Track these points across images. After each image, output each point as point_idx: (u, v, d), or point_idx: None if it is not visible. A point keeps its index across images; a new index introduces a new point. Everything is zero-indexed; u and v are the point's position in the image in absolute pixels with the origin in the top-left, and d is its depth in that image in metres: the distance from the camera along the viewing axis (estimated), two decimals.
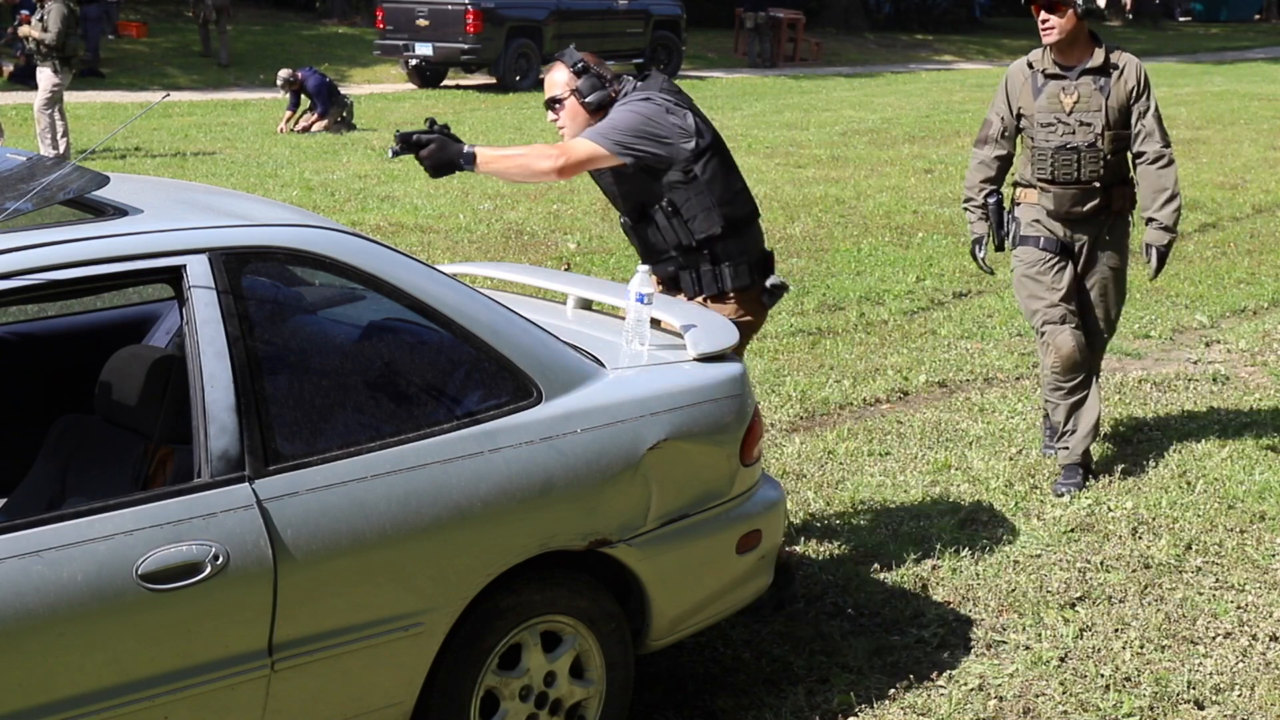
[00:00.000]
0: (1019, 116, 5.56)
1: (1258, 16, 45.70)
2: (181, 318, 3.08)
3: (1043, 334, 5.57)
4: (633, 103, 4.24)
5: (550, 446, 3.40)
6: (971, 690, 4.11)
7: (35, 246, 2.91)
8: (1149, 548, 5.02)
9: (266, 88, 21.33)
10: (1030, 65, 5.54)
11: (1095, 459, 5.84)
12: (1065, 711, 4.01)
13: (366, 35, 25.59)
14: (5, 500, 3.67)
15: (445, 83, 23.33)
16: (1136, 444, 6.10)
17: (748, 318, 4.35)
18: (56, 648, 2.73)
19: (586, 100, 4.29)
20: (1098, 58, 5.43)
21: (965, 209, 5.71)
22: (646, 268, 3.96)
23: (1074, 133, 5.41)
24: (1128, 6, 43.40)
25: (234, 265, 3.10)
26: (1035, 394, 6.82)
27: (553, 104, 4.35)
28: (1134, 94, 5.42)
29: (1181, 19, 45.19)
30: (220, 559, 2.89)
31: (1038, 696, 4.08)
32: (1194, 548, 5.03)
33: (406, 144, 4.11)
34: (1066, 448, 5.62)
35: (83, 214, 3.16)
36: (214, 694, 2.92)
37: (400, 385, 3.35)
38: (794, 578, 4.57)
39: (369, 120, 17.91)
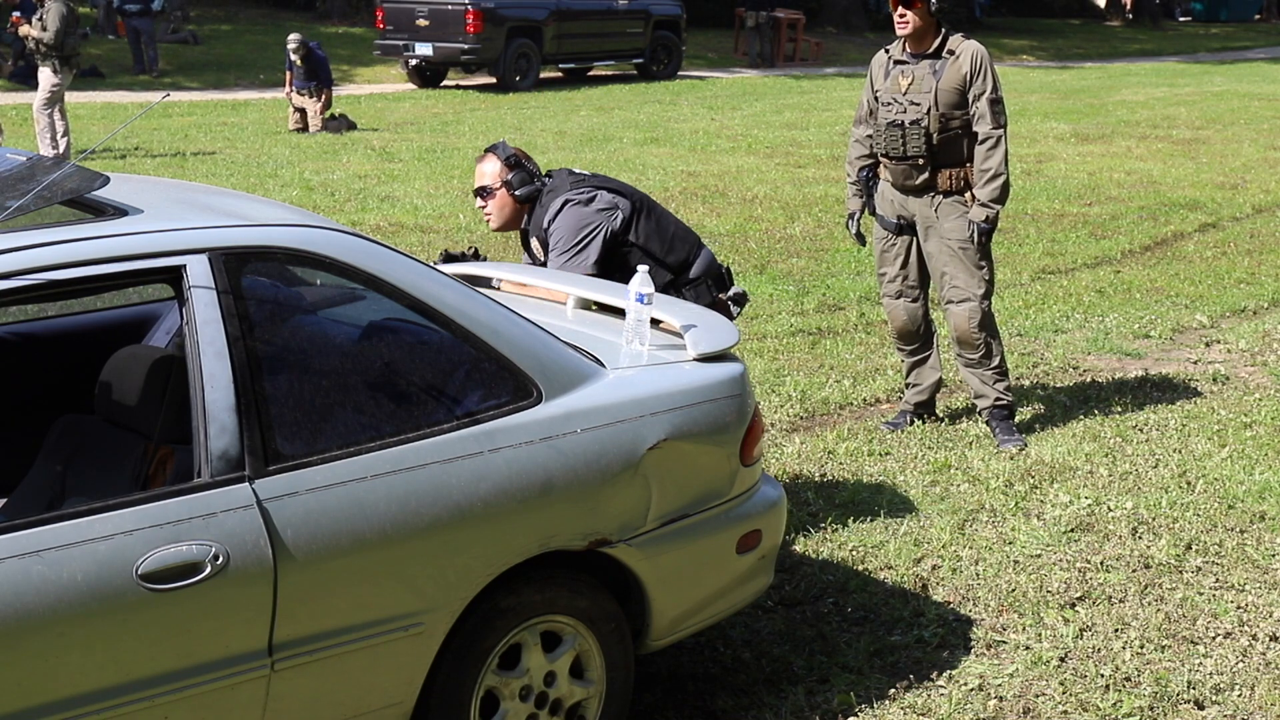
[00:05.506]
0: (876, 98, 6.04)
1: (1258, 16, 45.67)
2: (181, 318, 3.08)
3: (882, 304, 6.35)
4: (561, 215, 4.60)
5: (550, 446, 3.40)
6: (971, 690, 4.11)
7: (35, 246, 2.91)
8: (1149, 548, 5.02)
9: (267, 88, 21.34)
10: (887, 53, 6.05)
11: (1093, 456, 5.86)
12: (1065, 711, 4.01)
13: (367, 35, 25.57)
14: (5, 500, 3.68)
15: (445, 83, 23.32)
16: (1136, 444, 6.10)
17: None
18: (56, 648, 2.73)
19: (517, 193, 4.73)
20: (936, 45, 5.89)
21: (848, 184, 6.31)
22: (646, 267, 3.97)
23: (905, 111, 5.87)
24: (1128, 6, 43.38)
25: (234, 265, 3.10)
26: (1034, 392, 6.82)
27: (483, 193, 4.76)
28: (969, 79, 5.82)
29: (1181, 19, 45.15)
30: (220, 559, 2.89)
31: (1038, 696, 4.08)
32: (1194, 548, 5.03)
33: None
34: (982, 397, 6.12)
35: (83, 214, 3.16)
36: (214, 694, 2.92)
37: (400, 385, 3.35)
38: None
39: (369, 120, 17.91)
